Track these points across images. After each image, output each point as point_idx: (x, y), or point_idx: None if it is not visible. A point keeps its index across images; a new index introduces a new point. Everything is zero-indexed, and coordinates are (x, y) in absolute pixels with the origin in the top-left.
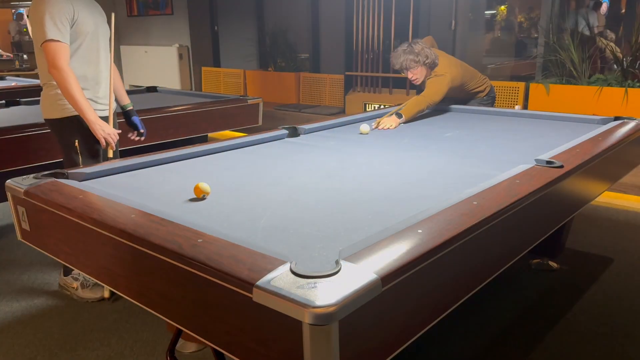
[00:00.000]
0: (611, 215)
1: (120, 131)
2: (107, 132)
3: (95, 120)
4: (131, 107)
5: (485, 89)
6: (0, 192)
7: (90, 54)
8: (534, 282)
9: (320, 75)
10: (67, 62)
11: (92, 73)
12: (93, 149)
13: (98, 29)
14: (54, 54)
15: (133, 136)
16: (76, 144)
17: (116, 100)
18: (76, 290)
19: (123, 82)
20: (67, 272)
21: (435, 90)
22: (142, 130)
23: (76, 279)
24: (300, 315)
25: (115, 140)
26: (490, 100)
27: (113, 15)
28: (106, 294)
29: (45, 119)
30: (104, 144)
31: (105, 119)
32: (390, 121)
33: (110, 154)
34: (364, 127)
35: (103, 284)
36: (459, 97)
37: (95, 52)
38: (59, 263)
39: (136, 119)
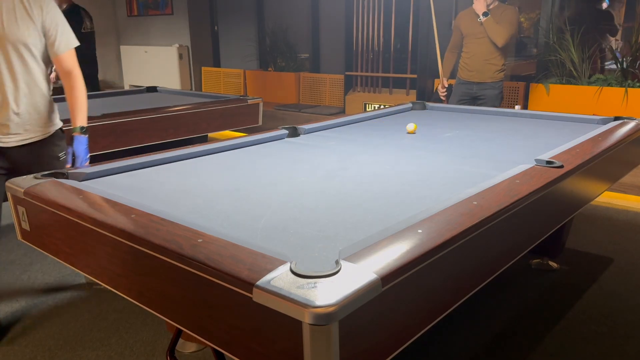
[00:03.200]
0: (611, 215)
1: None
2: None
3: None
4: (77, 134)
5: (504, 71)
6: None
7: None
8: (534, 282)
9: (320, 75)
10: None
11: None
12: None
13: (4, 30)
14: None
15: (68, 165)
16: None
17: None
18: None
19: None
20: None
21: (514, 21)
22: (69, 165)
23: None
24: (300, 315)
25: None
26: (501, 91)
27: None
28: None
29: None
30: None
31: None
32: (480, 5)
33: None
34: (410, 126)
35: (102, 284)
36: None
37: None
38: (59, 263)
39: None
